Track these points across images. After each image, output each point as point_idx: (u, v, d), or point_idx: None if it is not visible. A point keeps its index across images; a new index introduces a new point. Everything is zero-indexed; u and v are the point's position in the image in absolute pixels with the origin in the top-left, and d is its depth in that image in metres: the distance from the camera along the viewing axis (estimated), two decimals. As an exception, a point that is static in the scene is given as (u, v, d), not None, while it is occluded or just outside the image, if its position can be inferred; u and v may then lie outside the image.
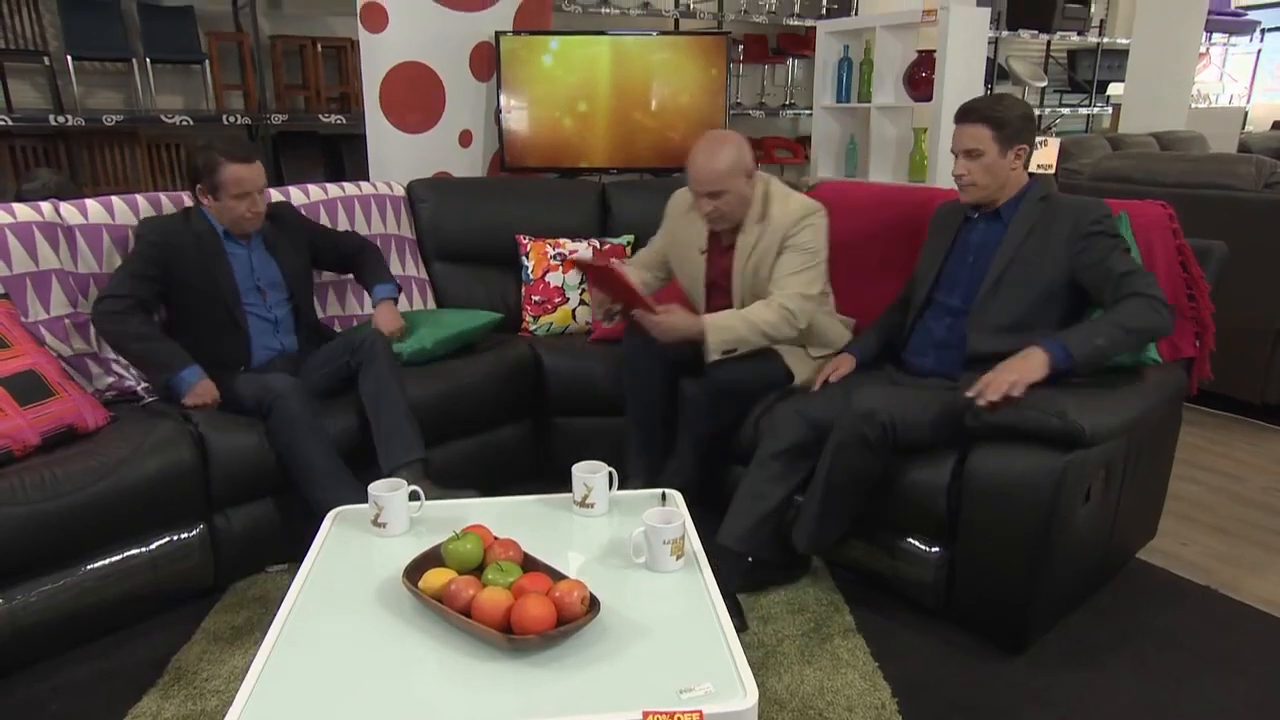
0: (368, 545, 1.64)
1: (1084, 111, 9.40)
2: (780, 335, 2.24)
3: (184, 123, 4.97)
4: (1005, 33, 8.28)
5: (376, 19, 3.14)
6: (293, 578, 1.80)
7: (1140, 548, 2.33)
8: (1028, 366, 1.83)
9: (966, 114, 2.04)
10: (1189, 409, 2.36)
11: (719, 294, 2.40)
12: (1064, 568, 1.87)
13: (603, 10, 5.81)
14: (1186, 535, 2.47)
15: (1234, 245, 2.21)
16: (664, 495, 1.80)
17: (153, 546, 1.97)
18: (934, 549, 1.96)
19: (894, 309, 2.37)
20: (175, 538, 2.01)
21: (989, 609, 1.91)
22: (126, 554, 1.93)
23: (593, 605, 1.35)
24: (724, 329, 2.18)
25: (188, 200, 2.39)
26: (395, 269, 2.90)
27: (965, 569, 1.91)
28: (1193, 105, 5.95)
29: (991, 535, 1.84)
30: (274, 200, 2.51)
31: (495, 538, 1.54)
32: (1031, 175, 2.10)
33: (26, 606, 1.79)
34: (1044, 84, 9.15)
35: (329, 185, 2.84)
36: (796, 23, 7.61)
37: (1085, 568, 2.00)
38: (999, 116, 1.99)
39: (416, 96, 3.33)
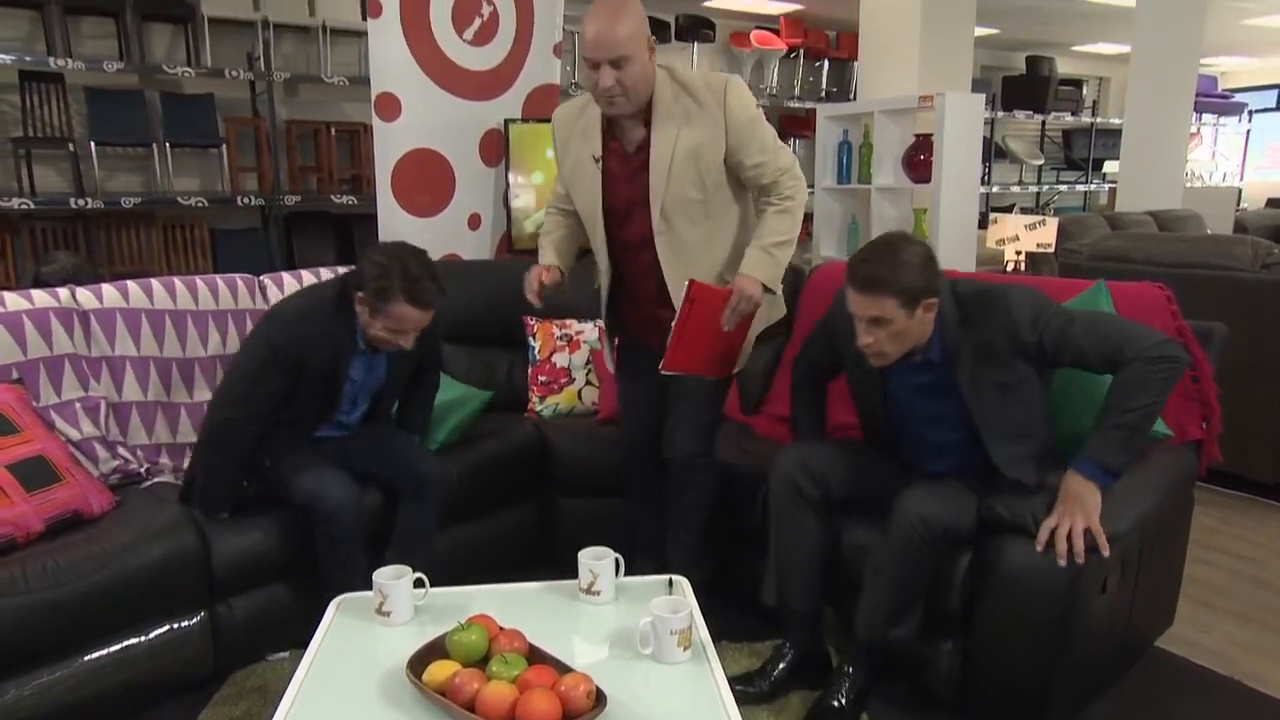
0: (371, 634, 1.62)
1: (1081, 188, 9.58)
2: (795, 234, 2.01)
3: (199, 204, 5.09)
4: (1001, 113, 8.52)
5: (390, 108, 3.25)
6: (293, 666, 1.77)
7: (1159, 635, 2.28)
8: (1087, 506, 1.72)
9: (867, 284, 1.76)
10: (1200, 488, 2.33)
11: (624, 217, 2.04)
12: (1081, 658, 1.83)
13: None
14: (1206, 622, 2.42)
15: (1234, 326, 2.23)
16: (670, 582, 1.78)
17: (152, 635, 1.94)
18: (948, 640, 1.92)
19: (811, 383, 2.20)
20: (175, 626, 1.98)
21: (1006, 700, 1.86)
22: (125, 643, 1.90)
23: (599, 700, 1.32)
24: (761, 264, 1.95)
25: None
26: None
27: (981, 660, 1.87)
28: (1187, 184, 6.07)
29: (1008, 626, 1.80)
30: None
31: (500, 628, 1.52)
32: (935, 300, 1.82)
33: (20, 701, 1.76)
34: (1040, 162, 9.36)
35: (340, 269, 2.89)
36: (797, 105, 7.83)
37: (1103, 657, 1.96)
38: (904, 283, 1.74)
39: (427, 181, 3.41)
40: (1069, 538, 1.71)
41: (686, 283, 1.88)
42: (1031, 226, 5.30)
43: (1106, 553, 1.71)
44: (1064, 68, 9.59)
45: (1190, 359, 1.79)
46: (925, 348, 1.87)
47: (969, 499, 1.87)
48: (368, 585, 1.70)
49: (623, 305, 2.20)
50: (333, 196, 5.35)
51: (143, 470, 2.31)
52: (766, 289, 1.97)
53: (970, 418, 1.88)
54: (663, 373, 1.96)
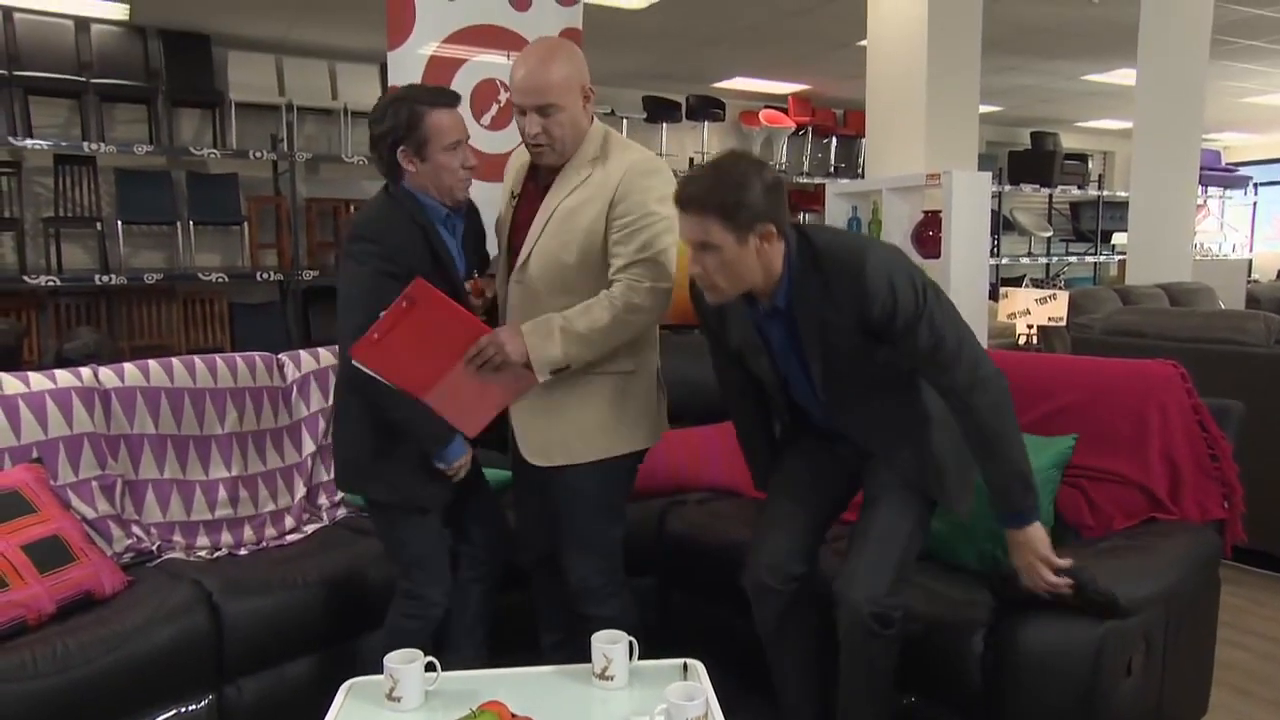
0: (380, 722, 1.59)
1: (1090, 259, 9.66)
2: (617, 338, 1.81)
3: (219, 279, 5.20)
4: (1008, 187, 8.65)
5: (409, 189, 3.34)
6: (300, 756, 1.74)
7: (1191, 723, 2.21)
8: (1033, 544, 1.69)
9: (689, 203, 1.61)
10: (1228, 567, 2.28)
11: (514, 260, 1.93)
12: (1110, 748, 1.77)
13: (621, 173, 6.12)
14: (1243, 711, 2.34)
15: (1250, 402, 2.22)
16: (685, 667, 1.75)
17: (159, 720, 1.92)
18: (970, 726, 1.86)
19: (744, 402, 2.03)
20: (182, 710, 1.94)
21: (1033, 793, 1.80)
22: (131, 728, 1.88)
23: (613, 795, 1.29)
24: (543, 333, 1.77)
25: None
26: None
27: (1005, 748, 1.81)
28: (1197, 256, 6.11)
29: (1031, 709, 1.75)
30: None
31: (513, 715, 1.49)
32: (789, 234, 1.67)
33: (24, 787, 1.72)
34: (1049, 234, 9.46)
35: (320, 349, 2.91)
36: (806, 180, 7.99)
37: (1133, 746, 1.89)
38: (728, 203, 1.57)
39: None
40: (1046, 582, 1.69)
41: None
42: (1042, 300, 5.33)
43: (1065, 564, 1.68)
44: (1068, 142, 9.78)
45: (1004, 386, 1.69)
46: (774, 292, 1.70)
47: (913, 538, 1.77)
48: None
49: None
50: (350, 272, 5.46)
51: (155, 548, 2.30)
52: (528, 365, 1.76)
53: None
54: (352, 361, 1.73)
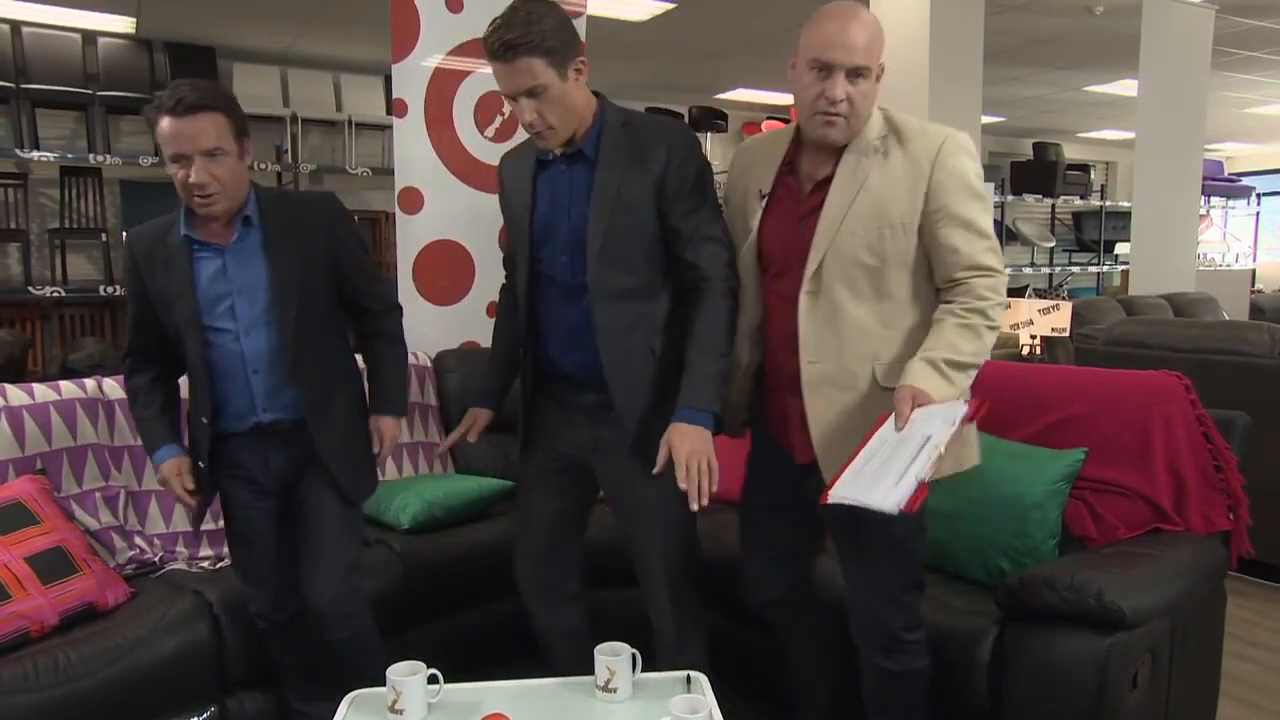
0: (383, 735, 1.58)
1: (1094, 269, 9.64)
2: (981, 360, 1.59)
3: (225, 291, 5.22)
4: (1010, 197, 8.66)
5: (413, 202, 3.35)
6: (302, 769, 1.73)
7: (1198, 736, 2.19)
8: (703, 447, 1.63)
9: (508, 51, 1.59)
10: (1234, 579, 2.27)
11: (781, 271, 1.69)
12: (1116, 762, 1.75)
13: (624, 184, 6.14)
14: (1249, 723, 2.33)
15: (1254, 412, 2.21)
16: (689, 679, 1.74)
17: (160, 732, 1.91)
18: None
19: (507, 313, 1.97)
20: (184, 722, 1.94)
21: (1039, 807, 1.78)
22: (133, 740, 1.87)
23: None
24: (929, 379, 1.52)
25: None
26: (417, 435, 2.94)
27: (1010, 762, 1.80)
28: (1200, 266, 6.11)
29: (1037, 722, 1.74)
30: (322, 194, 2.11)
31: (515, 729, 1.48)
32: (599, 94, 1.75)
33: (25, 800, 1.72)
34: (1052, 244, 9.46)
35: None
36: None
37: (1139, 760, 1.88)
38: (545, 39, 1.58)
39: (447, 271, 3.49)
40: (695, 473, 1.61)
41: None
42: (1045, 311, 5.32)
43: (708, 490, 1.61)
44: (1070, 153, 9.79)
45: (734, 281, 1.72)
46: (584, 136, 1.72)
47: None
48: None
49: (764, 388, 1.81)
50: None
51: (158, 559, 2.30)
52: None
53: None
54: (822, 504, 1.53)
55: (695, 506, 1.64)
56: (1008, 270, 1.69)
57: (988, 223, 1.60)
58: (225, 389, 1.82)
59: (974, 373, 1.57)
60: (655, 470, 1.67)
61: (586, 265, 1.72)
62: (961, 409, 1.47)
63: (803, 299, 1.63)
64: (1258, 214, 10.82)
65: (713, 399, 1.69)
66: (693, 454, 1.63)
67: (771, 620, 1.96)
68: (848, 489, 1.46)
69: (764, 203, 1.70)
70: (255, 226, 1.80)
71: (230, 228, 1.79)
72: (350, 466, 1.91)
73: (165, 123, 1.66)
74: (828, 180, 1.63)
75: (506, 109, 3.42)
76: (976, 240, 1.58)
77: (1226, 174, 10.76)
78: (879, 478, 1.44)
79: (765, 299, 1.73)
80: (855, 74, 1.55)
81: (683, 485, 1.63)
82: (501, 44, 1.60)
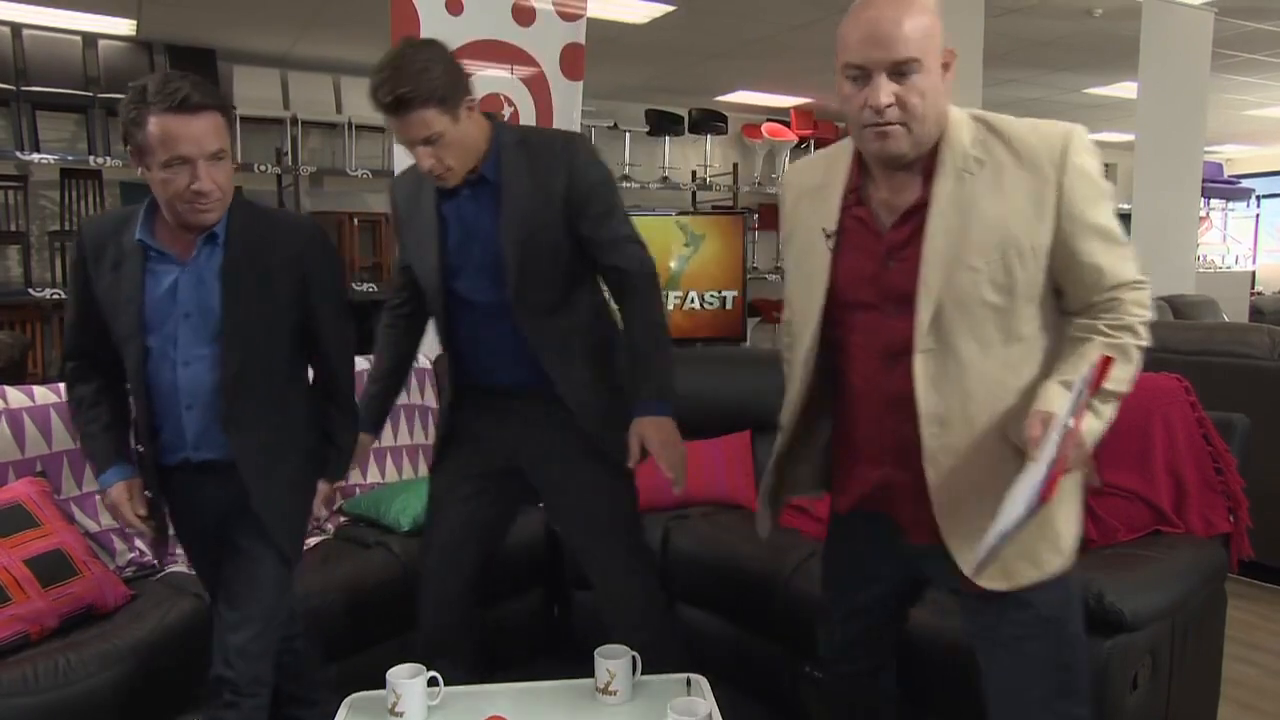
0: (382, 738, 1.58)
1: (1092, 272, 9.64)
2: (1128, 388, 1.32)
3: (224, 293, 5.22)
4: (1009, 200, 8.66)
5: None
6: (302, 771, 1.72)
7: (1198, 739, 2.19)
8: (669, 438, 1.73)
9: (401, 106, 1.59)
10: (1234, 582, 2.27)
11: (868, 327, 1.38)
12: (1117, 764, 1.75)
13: (623, 185, 6.16)
14: (1247, 725, 2.32)
15: (1254, 414, 2.21)
16: (689, 682, 1.74)
17: (160, 734, 1.91)
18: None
19: (393, 335, 1.99)
20: (184, 724, 1.94)
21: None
22: (132, 743, 1.87)
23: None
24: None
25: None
26: (417, 437, 2.94)
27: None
28: (1200, 268, 6.11)
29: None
30: (304, 221, 1.90)
31: (515, 732, 1.48)
32: (490, 116, 1.77)
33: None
34: (1051, 247, 9.47)
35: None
36: (808, 194, 8.00)
37: (1139, 763, 1.88)
38: (434, 87, 1.59)
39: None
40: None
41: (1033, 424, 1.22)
42: (1045, 312, 5.32)
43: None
44: (1070, 155, 9.77)
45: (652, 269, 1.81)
46: (483, 159, 1.74)
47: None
48: None
49: (839, 457, 1.52)
50: (353, 284, 5.46)
51: (157, 561, 2.30)
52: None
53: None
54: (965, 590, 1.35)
55: (678, 490, 1.78)
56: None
57: (1119, 226, 1.36)
58: (159, 414, 1.64)
59: (1118, 401, 1.30)
60: (631, 463, 1.76)
61: (508, 288, 1.76)
62: (1085, 373, 1.21)
63: (919, 359, 1.32)
64: (1257, 216, 10.82)
65: (667, 389, 1.77)
66: (664, 444, 1.73)
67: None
68: (983, 547, 1.20)
69: (832, 243, 1.40)
70: (219, 245, 1.61)
71: (194, 241, 1.60)
72: (287, 528, 1.71)
73: (165, 122, 1.47)
74: (917, 209, 1.33)
75: (506, 112, 3.42)
76: (1116, 249, 1.32)
77: (1226, 176, 10.77)
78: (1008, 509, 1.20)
79: (846, 359, 1.43)
80: (900, 71, 1.25)
81: (668, 475, 1.74)
82: (393, 99, 1.60)
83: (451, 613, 1.94)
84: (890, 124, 1.26)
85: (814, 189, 1.45)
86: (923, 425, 1.34)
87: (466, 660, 1.91)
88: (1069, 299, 1.35)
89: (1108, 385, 1.24)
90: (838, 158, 1.44)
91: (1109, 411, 1.29)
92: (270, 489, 1.66)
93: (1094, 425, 1.27)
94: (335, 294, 1.77)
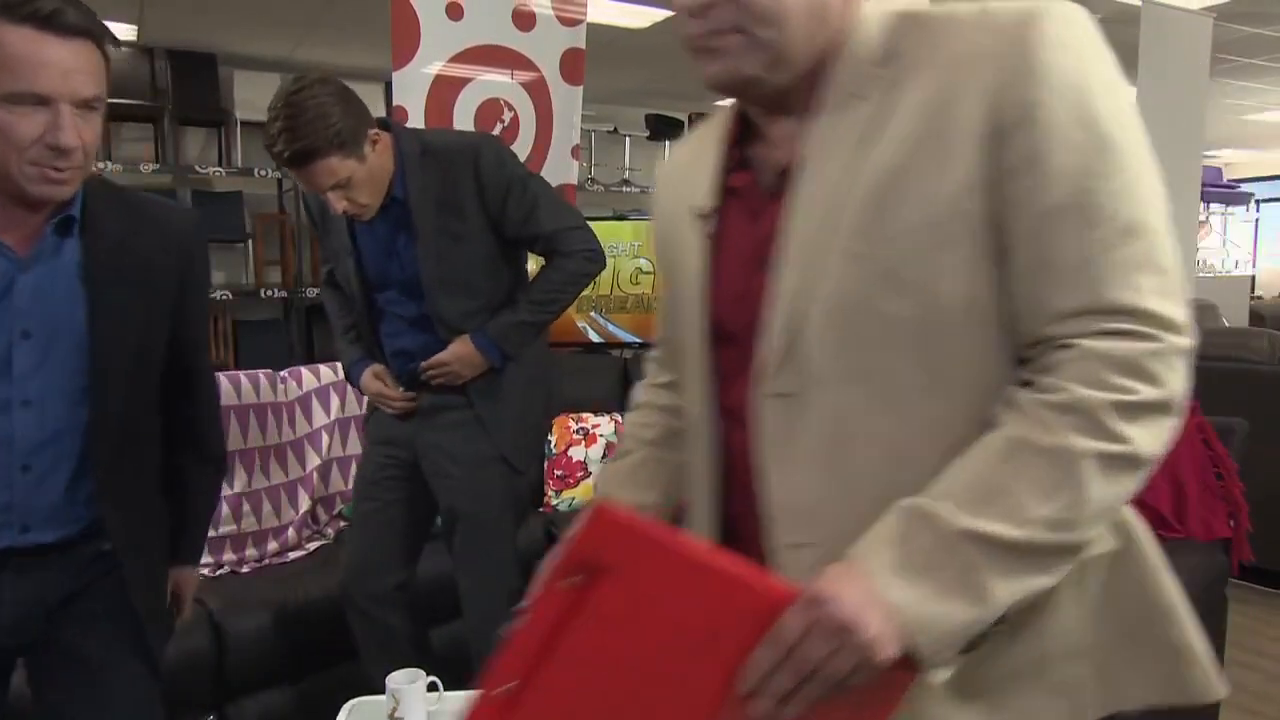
0: (382, 743, 1.58)
1: (1092, 277, 9.65)
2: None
3: (224, 296, 5.21)
4: (1009, 205, 8.68)
5: (413, 207, 3.36)
6: (301, 776, 1.72)
7: (1198, 744, 2.18)
8: (463, 352, 1.80)
9: (303, 159, 1.56)
10: (1235, 586, 2.27)
11: (733, 359, 0.82)
12: (1117, 769, 1.75)
13: (624, 189, 6.17)
14: (1247, 730, 2.32)
15: (1254, 419, 2.22)
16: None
17: (159, 739, 1.90)
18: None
19: (339, 304, 2.02)
20: (183, 729, 1.93)
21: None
22: (132, 748, 1.86)
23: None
24: (938, 556, 0.68)
25: None
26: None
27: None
28: (1200, 273, 6.12)
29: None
30: (182, 211, 1.39)
31: (514, 737, 1.47)
32: (387, 125, 1.77)
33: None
34: (1051, 251, 9.47)
35: (321, 366, 2.91)
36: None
37: (1140, 768, 1.87)
38: (334, 135, 1.56)
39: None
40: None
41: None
42: (1045, 316, 5.33)
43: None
44: (1070, 160, 9.79)
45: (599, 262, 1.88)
46: (390, 183, 1.75)
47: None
48: None
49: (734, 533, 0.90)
50: (355, 289, 5.48)
51: (158, 566, 2.28)
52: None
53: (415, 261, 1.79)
54: None
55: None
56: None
57: (1143, 196, 0.75)
58: None
59: (1056, 565, 0.71)
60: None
61: (427, 300, 1.79)
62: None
63: (765, 409, 0.78)
64: (1257, 220, 10.83)
65: (504, 337, 1.82)
66: (456, 358, 1.79)
67: None
68: None
69: (708, 228, 0.85)
70: (75, 238, 1.14)
71: (39, 229, 1.12)
72: (165, 629, 1.33)
73: (22, 37, 0.99)
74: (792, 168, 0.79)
75: (506, 116, 3.43)
76: (1129, 254, 0.74)
77: (1225, 180, 10.78)
78: None
79: (719, 408, 0.85)
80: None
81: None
82: (293, 154, 1.55)
83: (384, 609, 1.97)
84: (718, 32, 0.74)
85: (686, 164, 0.93)
86: (771, 529, 0.79)
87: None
88: (1019, 326, 0.74)
89: (1006, 530, 0.67)
90: (721, 119, 0.90)
91: (1007, 589, 0.68)
92: (147, 577, 1.24)
93: (929, 606, 0.66)
94: (205, 308, 1.40)
